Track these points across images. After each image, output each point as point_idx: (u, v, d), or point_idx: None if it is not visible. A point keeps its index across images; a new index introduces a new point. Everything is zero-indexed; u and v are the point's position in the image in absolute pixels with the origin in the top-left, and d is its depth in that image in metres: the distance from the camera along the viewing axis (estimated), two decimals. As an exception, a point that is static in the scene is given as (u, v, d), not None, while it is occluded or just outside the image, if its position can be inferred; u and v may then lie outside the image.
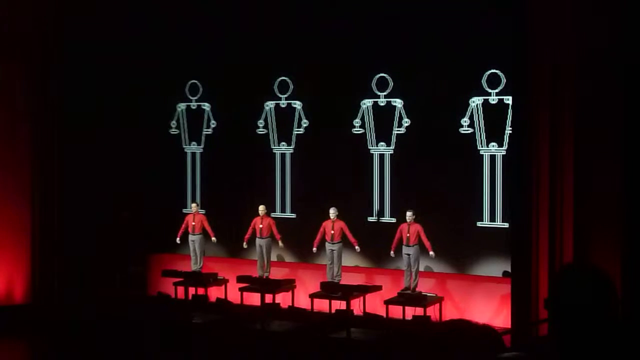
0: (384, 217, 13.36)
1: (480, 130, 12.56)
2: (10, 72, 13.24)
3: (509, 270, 11.29)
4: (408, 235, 12.62)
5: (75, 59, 13.57)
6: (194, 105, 14.95)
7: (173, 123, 15.06)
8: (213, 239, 14.23)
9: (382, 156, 13.37)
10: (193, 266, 14.25)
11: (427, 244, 12.55)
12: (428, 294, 12.46)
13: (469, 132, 12.62)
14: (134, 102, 14.46)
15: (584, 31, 10.02)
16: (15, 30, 13.18)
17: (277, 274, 13.74)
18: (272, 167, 14.30)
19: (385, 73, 13.27)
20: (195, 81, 14.87)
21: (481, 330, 2.69)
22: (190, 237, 14.26)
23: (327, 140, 13.79)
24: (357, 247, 13.16)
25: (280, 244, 13.75)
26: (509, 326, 10.93)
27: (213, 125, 14.77)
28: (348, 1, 13.32)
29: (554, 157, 10.31)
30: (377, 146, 13.39)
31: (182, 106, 15.02)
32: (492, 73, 12.44)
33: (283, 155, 14.23)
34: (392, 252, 12.78)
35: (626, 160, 9.87)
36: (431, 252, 12.54)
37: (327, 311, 12.76)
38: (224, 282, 13.94)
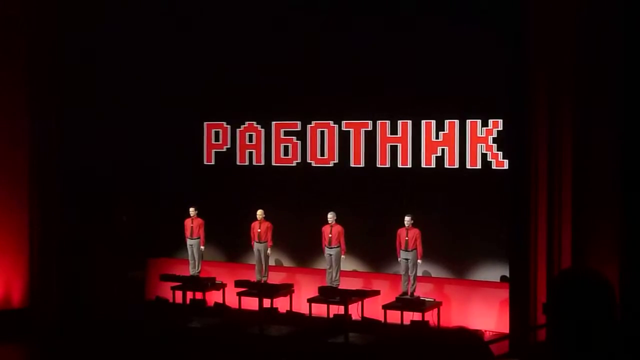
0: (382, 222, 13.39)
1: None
2: (9, 75, 13.25)
3: (507, 275, 11.32)
4: (407, 239, 12.63)
5: (74, 60, 13.57)
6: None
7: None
8: (202, 247, 14.24)
9: (381, 159, 13.39)
10: (191, 271, 14.24)
11: (419, 250, 12.57)
12: (426, 299, 12.46)
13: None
14: (132, 105, 14.50)
15: (583, 35, 10.06)
16: (14, 34, 13.20)
17: (275, 278, 13.73)
18: (270, 169, 14.33)
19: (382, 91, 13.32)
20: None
21: (458, 333, 2.68)
22: (189, 242, 14.26)
23: (326, 144, 13.81)
24: (343, 256, 13.20)
25: (269, 251, 13.76)
26: (508, 331, 10.94)
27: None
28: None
29: (552, 161, 10.33)
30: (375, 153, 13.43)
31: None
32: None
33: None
34: (399, 259, 12.77)
35: (624, 165, 9.88)
36: (419, 260, 12.59)
37: (325, 316, 12.76)
38: (222, 286, 13.93)
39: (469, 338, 2.69)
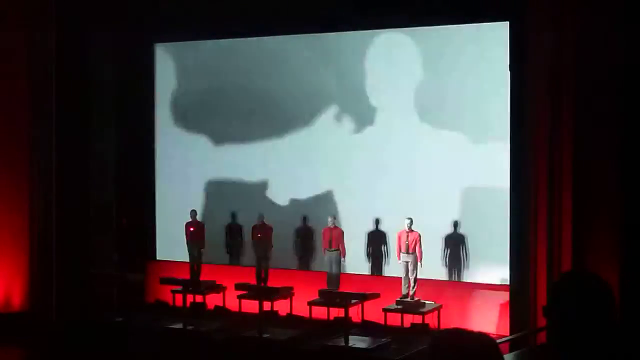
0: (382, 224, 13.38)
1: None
2: (9, 79, 13.25)
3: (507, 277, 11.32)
4: (407, 242, 12.61)
5: (73, 61, 13.58)
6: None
7: None
8: (202, 250, 14.21)
9: (381, 162, 13.38)
10: (191, 273, 14.22)
11: (418, 253, 12.55)
12: (426, 302, 12.45)
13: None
14: (131, 105, 14.53)
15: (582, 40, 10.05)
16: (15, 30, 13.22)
17: (275, 281, 13.72)
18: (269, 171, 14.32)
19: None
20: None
21: (477, 338, 2.68)
22: (189, 245, 14.23)
23: (325, 146, 13.81)
24: (343, 259, 13.18)
25: (270, 254, 13.75)
26: (508, 334, 10.92)
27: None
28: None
29: (552, 164, 10.31)
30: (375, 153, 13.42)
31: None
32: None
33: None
34: (398, 261, 12.75)
35: (624, 169, 9.87)
36: (419, 263, 12.57)
37: (326, 319, 12.74)
38: (222, 289, 13.92)
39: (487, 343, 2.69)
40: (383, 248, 13.36)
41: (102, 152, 14.13)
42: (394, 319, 12.35)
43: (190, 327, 13.02)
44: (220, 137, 14.64)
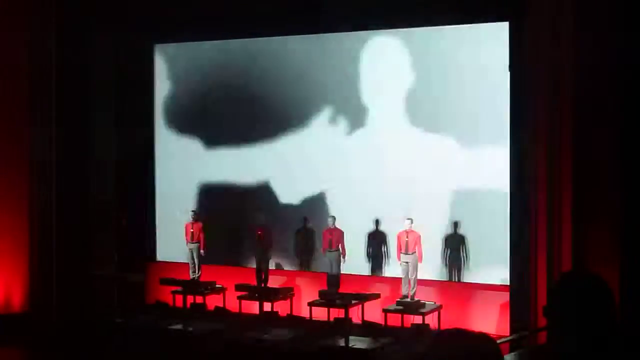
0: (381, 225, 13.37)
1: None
2: (9, 79, 13.24)
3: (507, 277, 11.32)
4: (407, 242, 12.61)
5: (73, 61, 13.57)
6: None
7: None
8: (202, 251, 14.19)
9: (380, 162, 13.37)
10: (191, 274, 14.22)
11: (419, 253, 12.54)
12: (426, 302, 12.44)
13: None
14: (131, 105, 14.54)
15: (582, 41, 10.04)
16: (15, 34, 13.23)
17: (275, 282, 13.72)
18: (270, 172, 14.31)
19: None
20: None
21: (478, 338, 2.68)
22: (189, 246, 14.24)
23: (325, 146, 13.80)
24: (343, 259, 13.18)
25: (269, 255, 13.74)
26: (508, 334, 10.91)
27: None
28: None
29: (552, 164, 10.31)
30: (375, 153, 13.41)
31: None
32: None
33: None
34: (398, 261, 12.74)
35: (624, 169, 9.86)
36: (420, 263, 12.57)
37: (326, 319, 12.73)
38: (222, 290, 13.92)
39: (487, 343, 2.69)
40: (383, 248, 13.35)
41: (102, 152, 14.13)
42: (394, 320, 12.34)
43: (190, 328, 13.01)
44: (220, 138, 14.63)
